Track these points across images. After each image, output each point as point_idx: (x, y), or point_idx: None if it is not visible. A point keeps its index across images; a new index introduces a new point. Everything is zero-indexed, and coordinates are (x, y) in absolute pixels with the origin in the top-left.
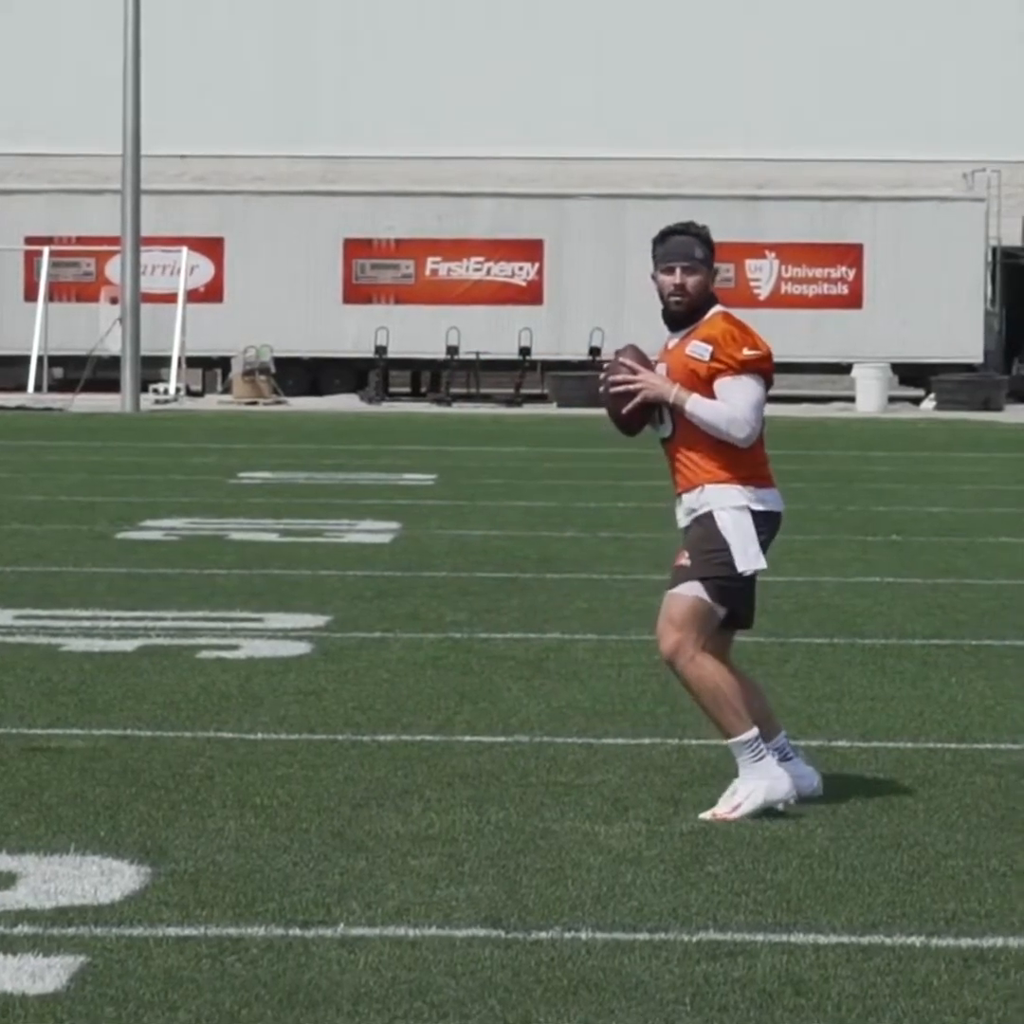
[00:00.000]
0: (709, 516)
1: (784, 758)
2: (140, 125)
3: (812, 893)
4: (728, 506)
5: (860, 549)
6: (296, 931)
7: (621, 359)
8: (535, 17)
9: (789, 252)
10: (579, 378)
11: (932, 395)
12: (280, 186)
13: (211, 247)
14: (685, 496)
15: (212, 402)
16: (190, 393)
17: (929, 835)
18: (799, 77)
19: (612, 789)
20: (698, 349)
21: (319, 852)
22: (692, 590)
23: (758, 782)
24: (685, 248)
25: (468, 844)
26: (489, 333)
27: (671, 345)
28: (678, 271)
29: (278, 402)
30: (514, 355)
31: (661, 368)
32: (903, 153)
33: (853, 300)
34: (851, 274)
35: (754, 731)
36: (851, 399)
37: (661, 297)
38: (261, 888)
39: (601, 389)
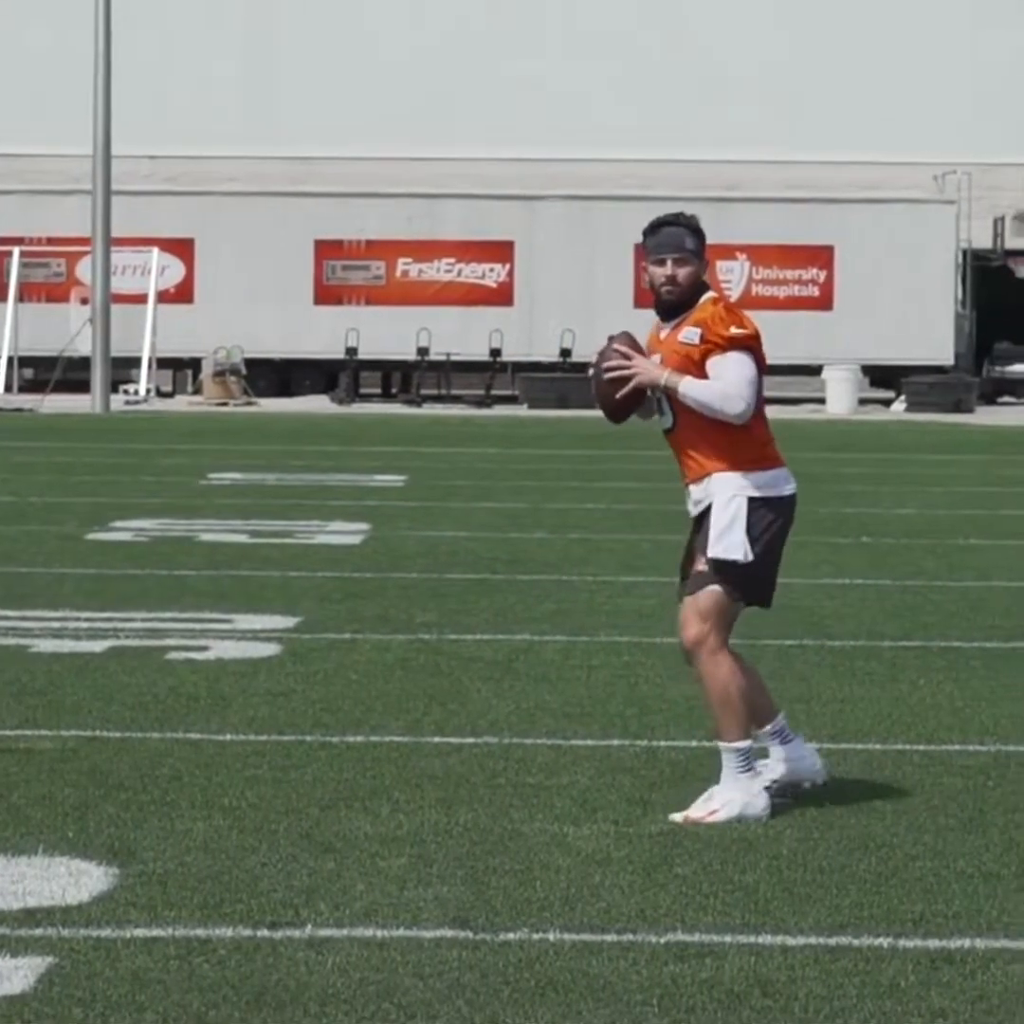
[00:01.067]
0: (710, 509)
1: (784, 740)
2: (110, 126)
3: (780, 895)
4: (729, 499)
5: (830, 551)
6: (264, 932)
7: (615, 345)
8: (504, 18)
9: (760, 254)
10: (549, 379)
11: (903, 397)
12: (251, 187)
13: (182, 248)
14: (692, 487)
15: (182, 403)
16: (160, 394)
17: (897, 837)
18: (769, 79)
19: (580, 791)
20: (689, 334)
21: (287, 853)
22: (714, 589)
23: (738, 795)
24: (676, 239)
25: (436, 845)
26: (459, 334)
27: (663, 335)
28: (670, 262)
29: (248, 403)
30: (484, 356)
31: (655, 358)
32: (874, 155)
33: (824, 302)
34: (822, 276)
35: (749, 743)
36: (822, 401)
37: (652, 288)
38: (229, 889)
39: (591, 373)
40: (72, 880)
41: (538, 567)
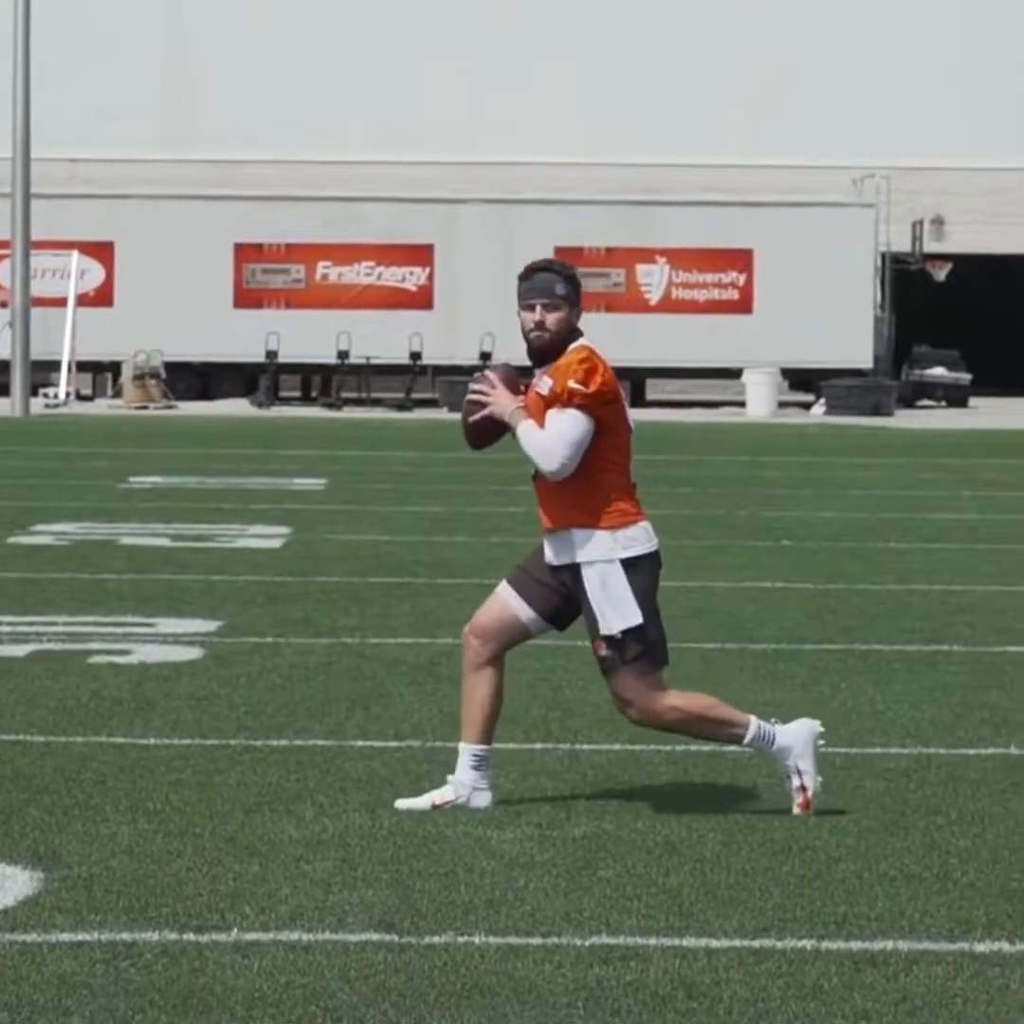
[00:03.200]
0: (579, 576)
1: (478, 767)
2: (30, 129)
3: (704, 897)
4: (596, 561)
5: (751, 554)
6: (190, 936)
7: (488, 373)
8: (422, 22)
9: (680, 257)
10: (470, 383)
11: (822, 400)
12: (170, 190)
13: (101, 251)
14: (550, 536)
15: (102, 406)
16: (80, 397)
17: (820, 839)
18: (689, 83)
19: (504, 794)
20: (544, 383)
21: (212, 857)
22: (626, 674)
23: (811, 766)
24: (547, 285)
25: (361, 849)
26: (380, 338)
27: (534, 380)
28: (539, 308)
29: (168, 406)
30: (405, 360)
31: (520, 399)
32: (793, 159)
33: (743, 305)
34: (742, 279)
35: (755, 722)
36: (741, 404)
37: (523, 334)
38: (155, 893)
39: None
40: None
41: (460, 571)
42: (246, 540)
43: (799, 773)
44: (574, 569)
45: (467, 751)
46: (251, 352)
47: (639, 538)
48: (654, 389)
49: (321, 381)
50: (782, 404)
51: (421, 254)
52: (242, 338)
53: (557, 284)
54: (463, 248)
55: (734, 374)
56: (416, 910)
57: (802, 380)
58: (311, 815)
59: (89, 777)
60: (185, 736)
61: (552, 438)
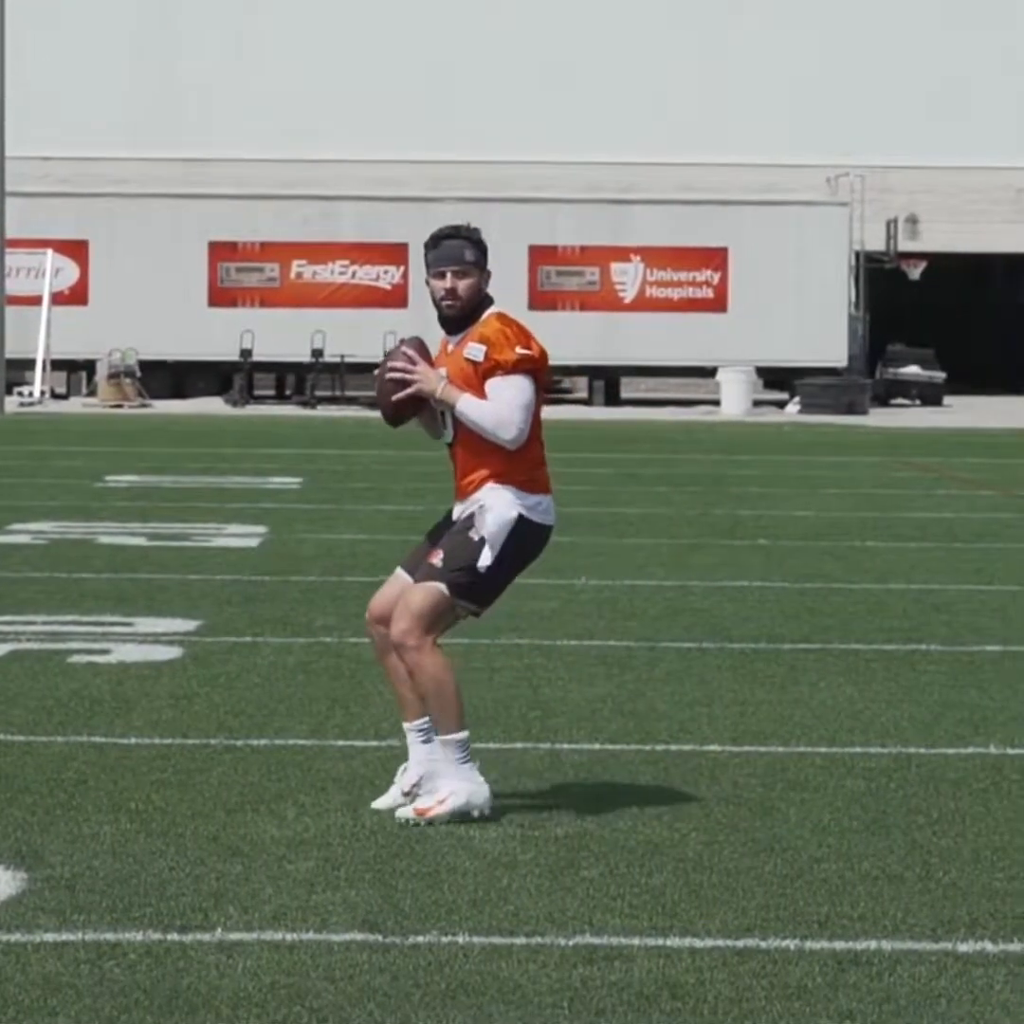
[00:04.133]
0: (472, 515)
1: (426, 740)
2: (4, 127)
3: (687, 897)
4: (497, 506)
5: (728, 553)
6: (174, 936)
7: (402, 348)
8: (396, 20)
9: (654, 255)
10: (385, 360)
11: (797, 398)
12: (145, 189)
13: (76, 250)
14: (462, 502)
15: (77, 405)
16: (55, 396)
17: (802, 839)
18: (664, 81)
19: None
20: (473, 350)
21: (195, 857)
22: (437, 586)
23: (463, 785)
24: (455, 252)
25: (343, 848)
26: (354, 336)
27: (450, 348)
28: (449, 275)
29: (143, 405)
30: (379, 358)
31: (442, 371)
32: (768, 157)
33: (718, 304)
34: (716, 278)
35: (466, 733)
36: (716, 402)
37: (434, 302)
38: (138, 893)
39: (376, 373)
40: None
41: None
42: (223, 539)
43: (426, 789)
44: (469, 517)
45: (413, 729)
46: (225, 351)
47: (539, 508)
48: (628, 387)
49: (295, 380)
50: (756, 402)
51: (395, 253)
52: (216, 337)
53: (466, 250)
54: None
55: (708, 372)
56: (399, 910)
57: (776, 379)
58: (293, 815)
59: (70, 777)
60: (166, 736)
61: (506, 406)
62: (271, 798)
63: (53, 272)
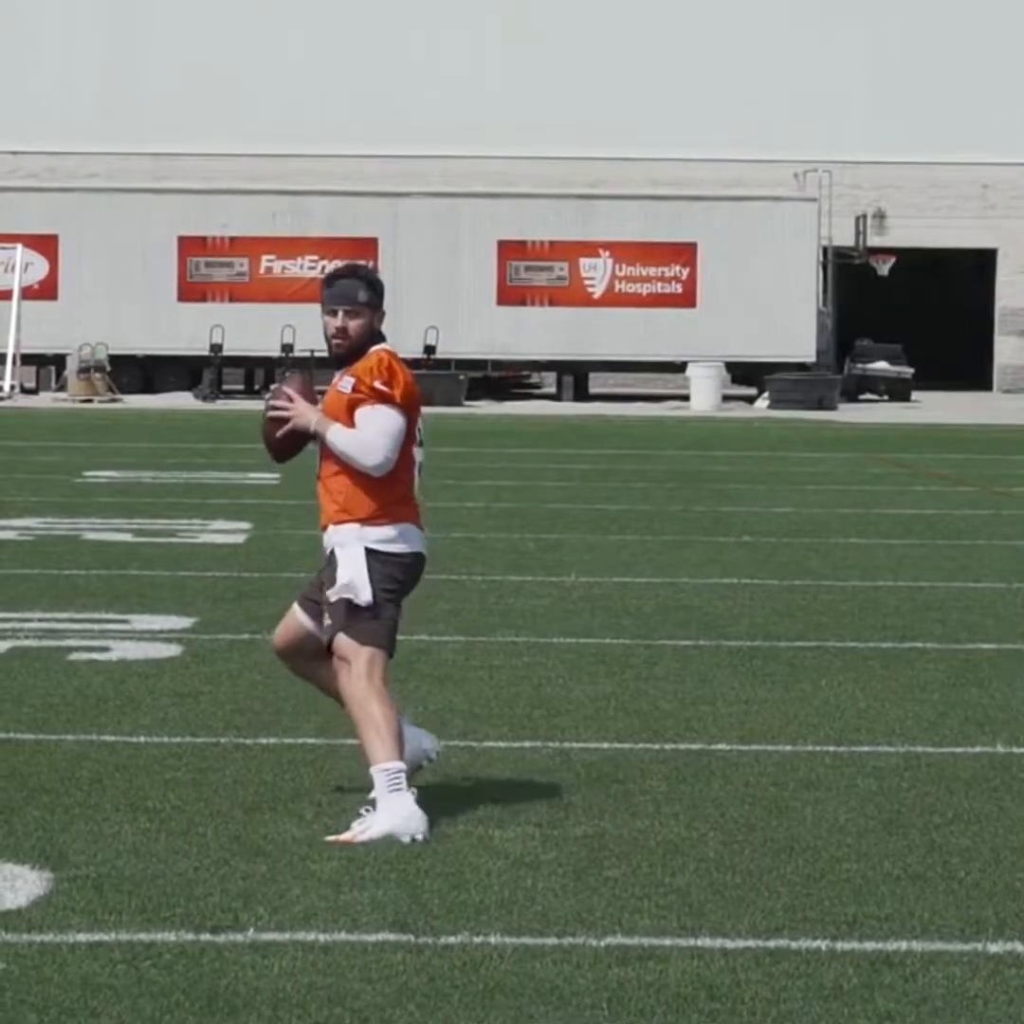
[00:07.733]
0: (332, 555)
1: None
2: None
3: (712, 897)
4: (345, 544)
5: (714, 550)
6: (206, 936)
7: (283, 387)
8: (371, 13)
9: (623, 251)
10: (414, 376)
11: (766, 394)
12: (114, 183)
13: (45, 244)
14: (324, 534)
15: (47, 400)
16: (24, 391)
17: (820, 839)
18: (632, 76)
19: (499, 793)
20: (345, 383)
21: (219, 857)
22: (344, 640)
23: (389, 815)
24: (349, 292)
25: (365, 848)
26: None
27: (334, 381)
28: (341, 314)
29: (113, 400)
30: None
31: (318, 407)
32: (736, 153)
33: (687, 299)
34: (685, 273)
35: (399, 764)
36: (685, 397)
37: (325, 338)
38: (165, 893)
39: (263, 410)
40: (8, 884)
41: (427, 566)
42: (209, 535)
43: (368, 812)
44: (332, 557)
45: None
46: (195, 345)
47: (391, 536)
48: (597, 382)
49: (265, 374)
50: (725, 397)
51: (365, 247)
52: (186, 331)
53: (360, 291)
54: (407, 242)
55: (677, 367)
56: (428, 910)
57: (745, 374)
58: (311, 814)
59: (85, 775)
60: (174, 734)
61: (370, 434)
62: (287, 797)
63: (23, 267)
